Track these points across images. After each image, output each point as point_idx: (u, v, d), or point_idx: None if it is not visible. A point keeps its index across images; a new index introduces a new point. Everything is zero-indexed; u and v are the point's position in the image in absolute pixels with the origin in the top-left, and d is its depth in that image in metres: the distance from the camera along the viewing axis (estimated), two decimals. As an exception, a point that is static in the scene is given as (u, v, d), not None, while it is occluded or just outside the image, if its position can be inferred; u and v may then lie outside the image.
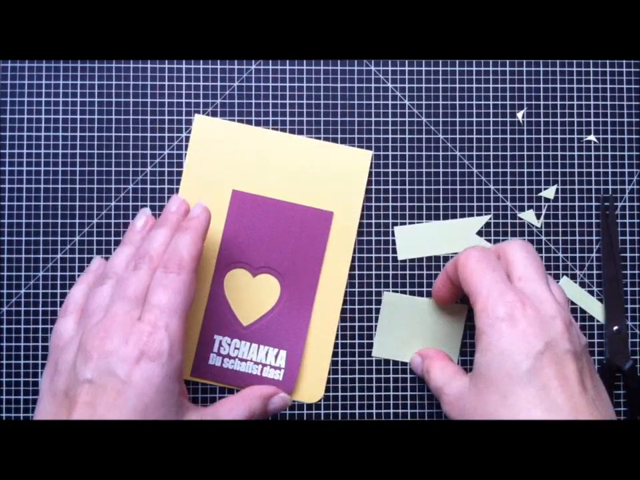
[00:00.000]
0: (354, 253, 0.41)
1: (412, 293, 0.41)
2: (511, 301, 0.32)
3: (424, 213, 0.42)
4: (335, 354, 0.41)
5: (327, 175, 0.41)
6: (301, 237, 0.41)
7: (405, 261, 0.41)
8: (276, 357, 0.40)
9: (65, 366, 0.32)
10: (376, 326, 0.41)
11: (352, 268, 0.41)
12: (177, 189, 0.41)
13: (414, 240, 0.41)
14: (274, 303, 0.41)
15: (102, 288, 0.35)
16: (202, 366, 0.40)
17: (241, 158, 0.41)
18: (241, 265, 0.41)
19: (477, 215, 0.42)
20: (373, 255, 0.41)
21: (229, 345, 0.40)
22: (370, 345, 0.41)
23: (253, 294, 0.41)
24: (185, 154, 0.41)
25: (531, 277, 0.34)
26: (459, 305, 0.41)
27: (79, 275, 0.41)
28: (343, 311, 0.41)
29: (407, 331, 0.41)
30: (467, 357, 0.41)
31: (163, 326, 0.32)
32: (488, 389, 0.32)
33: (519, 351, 0.31)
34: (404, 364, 0.41)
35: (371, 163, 0.41)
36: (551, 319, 0.33)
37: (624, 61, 0.42)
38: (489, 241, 0.41)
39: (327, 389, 0.41)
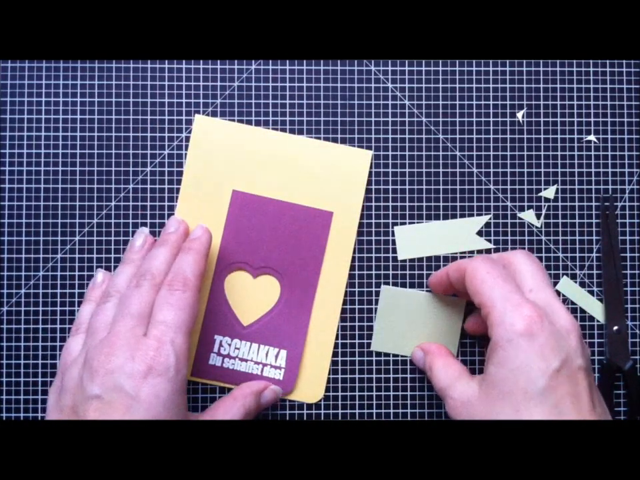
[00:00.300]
0: (354, 252, 0.41)
1: (412, 293, 0.41)
2: (529, 315, 0.32)
3: (424, 212, 0.41)
4: (335, 354, 0.41)
5: (327, 175, 0.41)
6: (301, 237, 0.41)
7: (405, 260, 0.41)
8: (276, 356, 0.40)
9: (71, 382, 0.33)
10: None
11: (352, 268, 0.41)
12: (177, 189, 0.41)
13: (414, 240, 0.41)
14: (274, 303, 0.41)
15: (105, 306, 0.35)
16: (202, 366, 0.40)
17: (241, 158, 0.41)
18: (241, 266, 0.41)
19: (477, 214, 0.42)
20: (373, 255, 0.41)
21: (229, 344, 0.40)
22: (370, 345, 0.41)
23: (253, 294, 0.41)
24: (185, 154, 0.41)
25: (541, 288, 0.34)
26: (457, 299, 0.41)
27: (79, 276, 0.41)
28: (343, 310, 0.41)
29: (405, 324, 0.41)
30: (466, 348, 0.41)
31: (168, 341, 0.32)
32: (501, 402, 0.32)
33: (536, 368, 0.32)
34: (404, 363, 0.41)
35: (371, 163, 0.41)
36: (566, 333, 0.33)
37: (624, 61, 0.42)
38: (489, 241, 0.41)
39: (327, 389, 0.41)
